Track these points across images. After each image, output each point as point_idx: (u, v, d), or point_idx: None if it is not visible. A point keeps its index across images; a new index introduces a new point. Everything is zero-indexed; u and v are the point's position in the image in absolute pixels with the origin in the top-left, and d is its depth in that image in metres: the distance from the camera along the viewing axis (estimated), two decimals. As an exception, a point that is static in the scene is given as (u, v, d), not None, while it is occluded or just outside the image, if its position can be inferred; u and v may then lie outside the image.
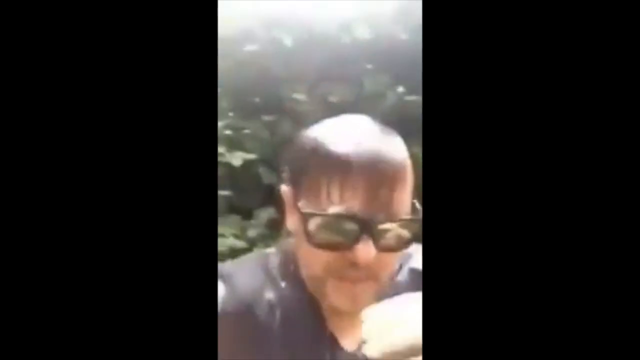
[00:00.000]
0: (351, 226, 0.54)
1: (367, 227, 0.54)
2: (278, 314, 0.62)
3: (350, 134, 0.57)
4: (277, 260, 0.66)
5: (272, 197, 2.00)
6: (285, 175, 0.62)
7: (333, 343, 0.62)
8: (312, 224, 0.55)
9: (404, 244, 0.57)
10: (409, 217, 0.57)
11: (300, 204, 0.57)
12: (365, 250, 0.54)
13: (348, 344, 0.63)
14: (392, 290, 0.61)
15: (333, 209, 0.55)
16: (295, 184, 0.59)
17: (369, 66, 2.39)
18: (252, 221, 1.99)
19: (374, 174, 0.54)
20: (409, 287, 0.62)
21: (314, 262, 0.58)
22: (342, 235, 0.55)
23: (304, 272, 0.61)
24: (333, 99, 2.29)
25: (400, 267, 0.65)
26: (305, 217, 0.56)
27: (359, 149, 0.55)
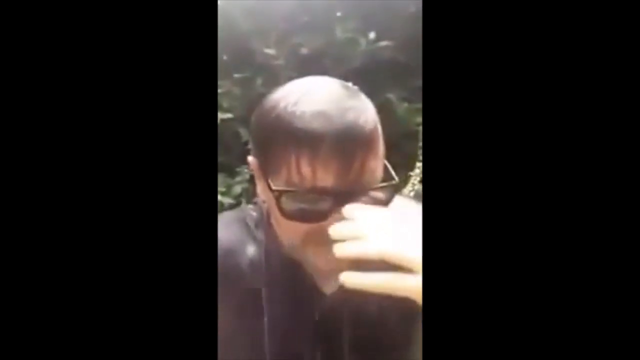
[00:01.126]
0: (324, 200, 0.54)
1: (340, 201, 0.53)
2: (258, 265, 0.64)
3: (316, 105, 0.54)
4: (256, 215, 0.68)
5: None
6: (250, 145, 0.61)
7: (314, 290, 0.64)
8: (284, 200, 0.55)
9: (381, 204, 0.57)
10: (383, 184, 0.56)
11: (270, 179, 0.56)
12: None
13: (328, 287, 0.65)
14: None
15: (305, 185, 0.54)
16: (261, 154, 0.58)
17: (339, 13, 2.35)
18: (237, 178, 2.03)
19: (345, 148, 0.52)
20: None
21: (291, 232, 0.58)
22: (316, 209, 0.55)
23: (282, 240, 0.62)
24: (304, 50, 2.26)
25: None
26: (277, 194, 0.55)
27: (327, 123, 0.53)
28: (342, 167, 0.53)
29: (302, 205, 0.55)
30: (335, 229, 0.49)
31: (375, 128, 0.56)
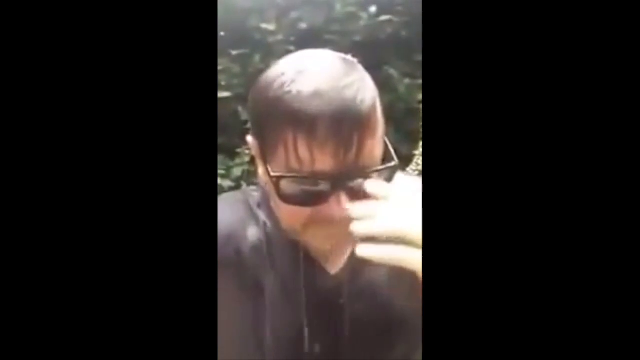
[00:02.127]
0: (323, 184, 0.53)
1: (339, 184, 0.53)
2: (260, 247, 0.63)
3: (313, 84, 0.52)
4: (258, 196, 0.67)
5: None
6: (249, 126, 0.60)
7: (317, 269, 0.64)
8: (284, 185, 0.54)
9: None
10: (382, 167, 0.55)
11: (268, 164, 0.55)
12: (339, 207, 0.53)
13: (331, 267, 0.64)
14: None
15: (304, 169, 0.53)
16: (259, 136, 0.57)
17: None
18: (237, 160, 2.02)
19: (342, 129, 0.51)
20: None
21: (291, 216, 0.57)
22: (315, 193, 0.54)
23: (282, 224, 0.61)
24: (304, 25, 2.24)
25: None
26: (275, 179, 0.54)
27: (324, 103, 0.51)
28: (340, 149, 0.52)
29: (301, 190, 0.54)
30: (351, 209, 0.50)
31: (374, 106, 0.55)
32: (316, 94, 0.52)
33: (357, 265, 0.63)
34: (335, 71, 0.54)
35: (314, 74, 0.54)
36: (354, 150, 0.52)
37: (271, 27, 2.19)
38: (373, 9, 2.27)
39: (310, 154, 0.52)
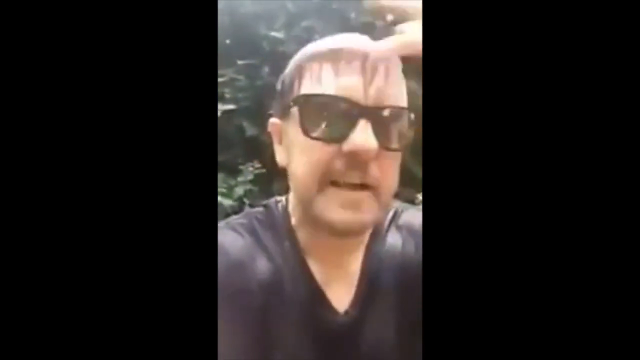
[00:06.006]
0: (348, 108, 0.54)
1: (365, 111, 0.53)
2: (269, 278, 0.62)
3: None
4: (264, 219, 0.66)
5: (256, 150, 1.96)
6: (274, 108, 0.63)
7: (326, 307, 0.63)
8: (308, 112, 0.55)
9: (404, 141, 0.57)
10: (407, 106, 0.58)
11: (295, 92, 0.59)
12: (365, 137, 0.53)
13: (337, 301, 0.63)
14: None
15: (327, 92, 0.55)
16: (285, 94, 0.60)
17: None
18: (239, 178, 1.97)
19: (368, 59, 0.55)
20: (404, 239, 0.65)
21: (308, 167, 0.56)
22: (340, 122, 0.54)
23: (295, 189, 0.60)
24: (316, 35, 2.21)
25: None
26: (300, 108, 0.56)
27: (350, 39, 0.59)
28: (366, 73, 0.55)
29: (326, 116, 0.55)
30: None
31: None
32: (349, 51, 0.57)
33: (364, 303, 0.64)
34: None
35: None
36: (380, 77, 0.55)
37: (281, 35, 2.16)
38: (390, 17, 2.24)
39: (335, 76, 0.56)
